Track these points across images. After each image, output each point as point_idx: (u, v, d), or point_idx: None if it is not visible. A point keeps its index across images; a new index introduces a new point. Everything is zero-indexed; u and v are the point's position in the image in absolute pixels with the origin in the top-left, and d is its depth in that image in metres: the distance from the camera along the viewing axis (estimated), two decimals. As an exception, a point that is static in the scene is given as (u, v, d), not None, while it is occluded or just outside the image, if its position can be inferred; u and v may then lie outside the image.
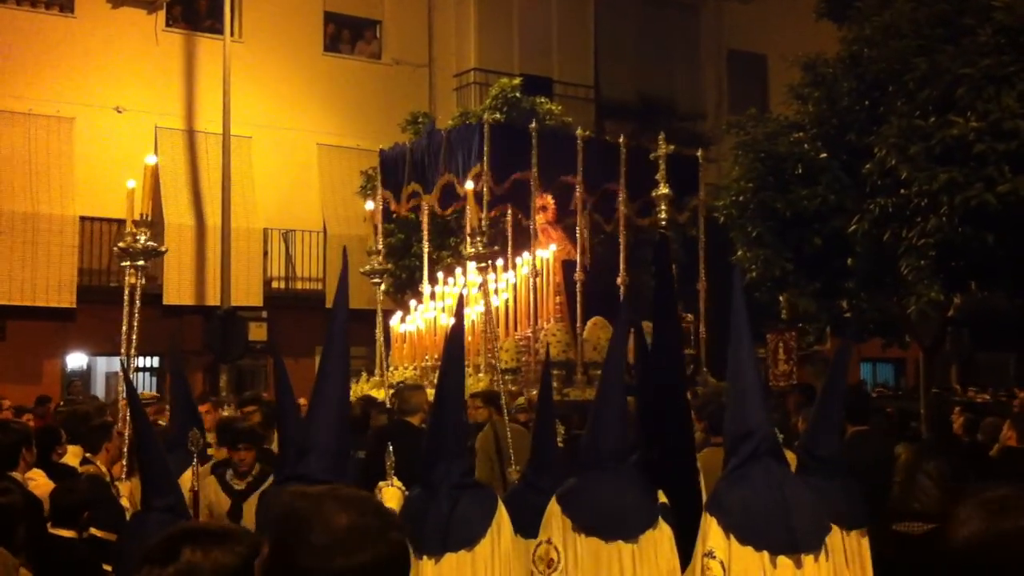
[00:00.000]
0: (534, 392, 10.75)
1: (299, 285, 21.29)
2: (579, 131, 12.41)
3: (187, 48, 20.54)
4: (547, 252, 12.24)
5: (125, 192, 7.10)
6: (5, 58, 18.74)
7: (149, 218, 6.62)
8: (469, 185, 9.65)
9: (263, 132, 20.74)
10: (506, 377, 10.76)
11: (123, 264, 8.23)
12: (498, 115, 17.96)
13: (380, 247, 9.82)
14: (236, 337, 18.66)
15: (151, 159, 6.81)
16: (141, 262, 6.65)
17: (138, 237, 6.58)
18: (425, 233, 13.95)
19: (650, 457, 5.49)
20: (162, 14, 20.36)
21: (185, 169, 20.21)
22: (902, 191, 11.00)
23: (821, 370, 21.84)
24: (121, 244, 6.89)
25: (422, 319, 12.78)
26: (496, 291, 11.77)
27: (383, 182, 13.69)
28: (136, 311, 6.42)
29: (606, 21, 24.45)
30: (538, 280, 11.98)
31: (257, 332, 19.54)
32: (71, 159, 19.12)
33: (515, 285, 12.27)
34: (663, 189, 10.30)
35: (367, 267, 9.40)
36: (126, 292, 6.53)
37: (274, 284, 21.02)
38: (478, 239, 8.64)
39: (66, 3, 19.75)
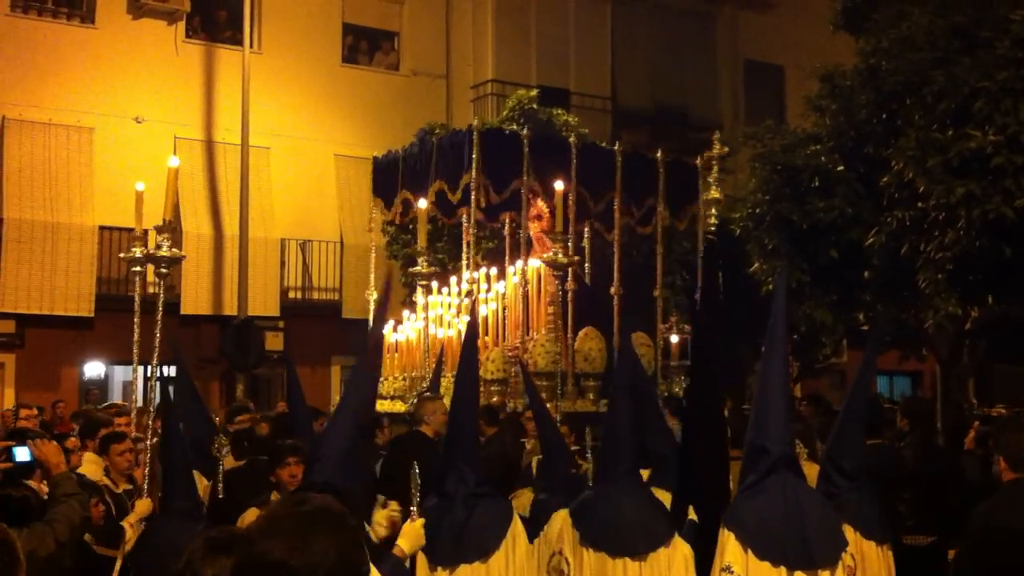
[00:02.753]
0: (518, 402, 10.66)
1: (316, 295, 21.33)
2: (572, 138, 12.16)
3: (206, 59, 20.66)
4: (538, 262, 11.95)
5: (134, 195, 6.99)
6: (26, 68, 18.88)
7: (172, 223, 6.35)
8: (559, 185, 9.34)
9: (281, 142, 20.83)
10: (492, 388, 10.67)
11: (134, 270, 8.18)
12: (515, 126, 17.99)
13: (422, 247, 9.51)
14: (252, 346, 18.74)
15: (173, 161, 6.55)
16: (164, 269, 6.40)
17: (160, 243, 6.34)
18: (420, 240, 13.82)
19: (685, 470, 5.45)
20: (182, 25, 20.47)
21: (203, 179, 20.30)
22: (919, 204, 10.98)
23: (836, 382, 21.77)
24: (138, 252, 6.76)
25: (412, 329, 12.55)
26: (485, 300, 11.61)
27: (375, 189, 13.42)
28: (159, 319, 6.22)
29: (623, 32, 24.49)
30: (530, 290, 11.71)
31: (274, 342, 19.59)
32: (90, 169, 19.23)
33: (505, 295, 12.02)
34: (714, 193, 9.78)
35: (415, 268, 9.10)
36: (147, 296, 6.50)
37: (291, 294, 21.07)
38: (558, 246, 8.48)
39: (86, 14, 19.88)
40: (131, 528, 5.98)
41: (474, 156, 11.08)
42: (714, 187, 10.02)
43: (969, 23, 11.43)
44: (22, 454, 4.94)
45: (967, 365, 18.79)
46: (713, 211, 9.71)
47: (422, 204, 8.86)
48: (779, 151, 13.14)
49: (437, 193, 11.94)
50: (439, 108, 22.36)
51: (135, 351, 6.65)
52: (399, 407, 11.22)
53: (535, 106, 19.13)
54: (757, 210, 13.23)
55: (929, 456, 7.98)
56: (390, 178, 12.99)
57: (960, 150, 10.48)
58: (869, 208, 12.00)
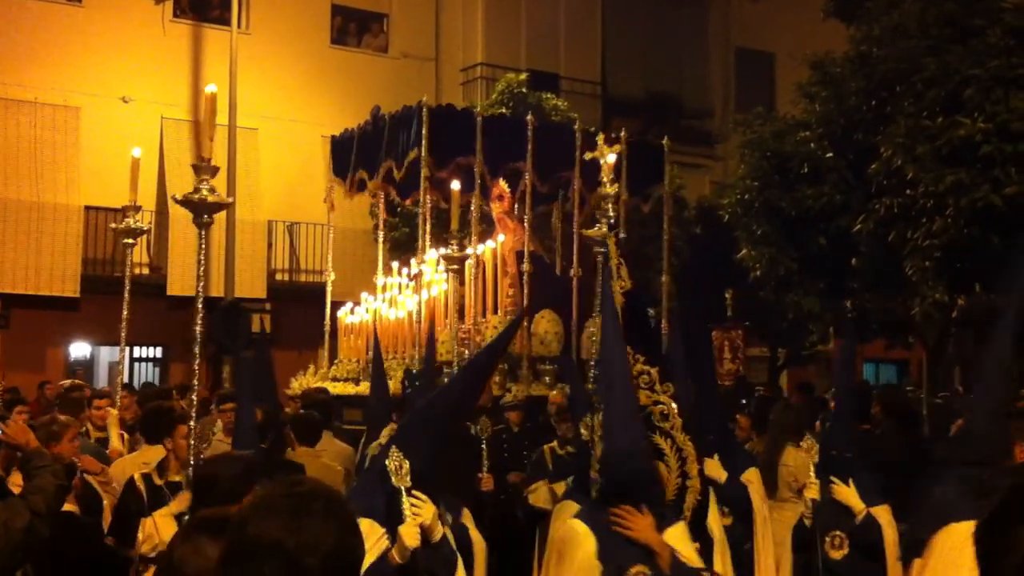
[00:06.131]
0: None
1: (303, 277, 21.27)
2: (529, 117, 11.88)
3: (194, 39, 20.53)
4: (494, 243, 11.68)
5: (122, 173, 6.73)
6: (12, 47, 18.73)
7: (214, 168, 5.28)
8: (587, 155, 9.15)
9: (269, 124, 20.73)
10: (444, 370, 10.53)
11: (126, 242, 7.86)
12: (504, 110, 17.92)
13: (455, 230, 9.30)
14: (240, 329, 18.65)
15: (211, 87, 5.56)
16: (207, 219, 5.22)
17: (199, 187, 5.22)
18: (381, 221, 13.69)
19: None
20: (169, 4, 20.34)
21: (191, 160, 20.15)
22: (908, 191, 10.99)
23: (824, 370, 21.81)
24: (131, 222, 6.38)
25: (367, 311, 12.42)
26: (436, 282, 11.40)
27: (333, 168, 13.27)
28: (200, 304, 5.52)
29: (614, 17, 24.41)
30: (486, 271, 11.46)
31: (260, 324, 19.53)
32: (77, 148, 19.11)
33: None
34: (608, 188, 9.29)
35: (446, 251, 8.91)
36: (135, 277, 6.36)
37: (278, 276, 21.02)
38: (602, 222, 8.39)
39: (74, -8, 19.75)
40: (162, 520, 5.33)
41: (423, 133, 10.86)
42: (607, 182, 9.82)
43: (961, 11, 11.42)
44: None
45: (953, 354, 18.87)
46: (608, 207, 9.54)
47: (455, 186, 8.57)
48: (769, 138, 13.15)
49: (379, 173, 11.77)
50: (428, 91, 22.09)
51: (123, 331, 6.54)
52: (351, 390, 11.08)
53: (524, 90, 19.06)
54: (746, 196, 13.23)
55: (902, 442, 8.02)
56: (347, 156, 12.86)
57: (950, 138, 10.50)
58: (858, 195, 12.01)
